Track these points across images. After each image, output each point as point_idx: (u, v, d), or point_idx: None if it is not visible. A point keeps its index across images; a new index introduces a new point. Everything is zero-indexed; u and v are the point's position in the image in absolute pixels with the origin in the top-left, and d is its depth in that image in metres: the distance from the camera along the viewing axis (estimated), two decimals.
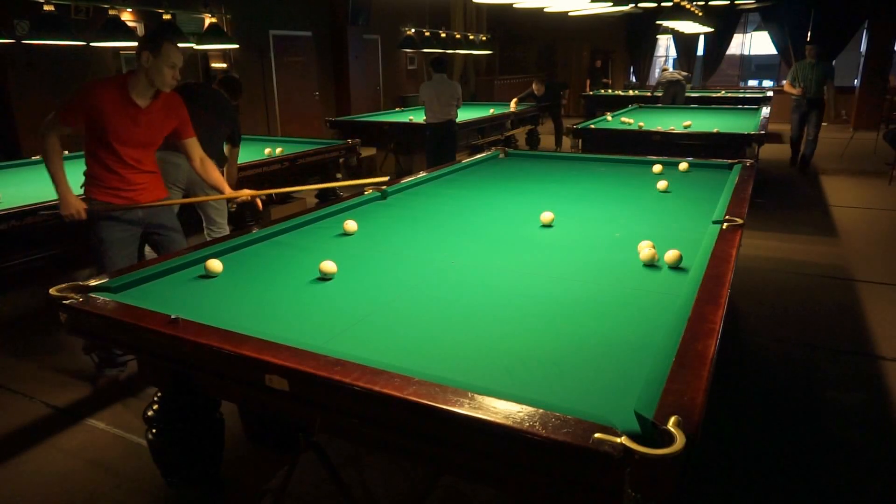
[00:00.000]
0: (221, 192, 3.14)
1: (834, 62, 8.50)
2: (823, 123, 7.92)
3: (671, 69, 10.30)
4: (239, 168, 4.38)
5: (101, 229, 2.95)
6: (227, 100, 4.16)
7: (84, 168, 2.99)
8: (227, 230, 3.96)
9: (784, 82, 8.41)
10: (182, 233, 3.29)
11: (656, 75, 15.90)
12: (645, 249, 2.28)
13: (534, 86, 9.68)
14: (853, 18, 12.24)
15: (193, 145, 3.12)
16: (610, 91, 12.82)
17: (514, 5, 6.30)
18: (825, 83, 7.75)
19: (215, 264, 2.21)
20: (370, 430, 1.50)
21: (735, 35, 14.47)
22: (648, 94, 10.86)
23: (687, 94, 10.23)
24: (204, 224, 4.05)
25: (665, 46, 16.66)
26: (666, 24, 9.40)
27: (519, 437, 1.18)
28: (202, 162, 3.12)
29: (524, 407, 1.23)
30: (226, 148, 4.18)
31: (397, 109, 9.62)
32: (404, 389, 1.32)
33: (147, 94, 2.84)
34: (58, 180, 2.80)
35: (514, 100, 9.44)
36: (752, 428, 2.76)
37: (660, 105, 9.62)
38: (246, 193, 3.02)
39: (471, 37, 12.08)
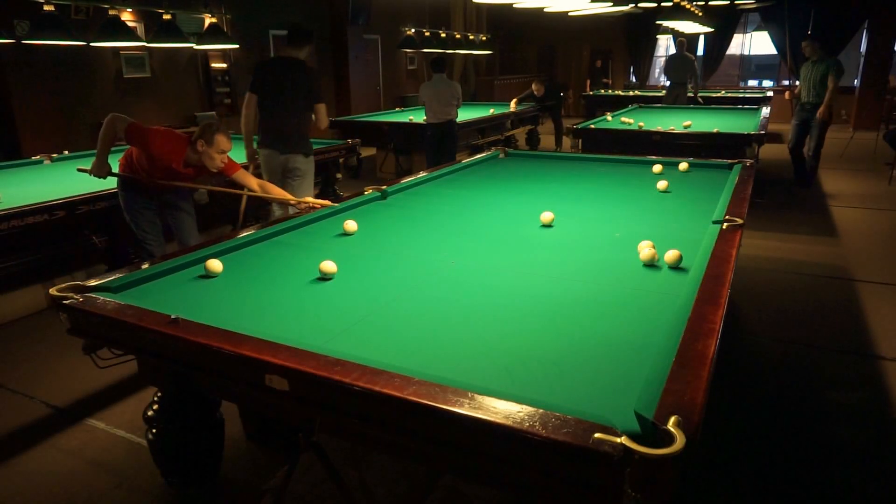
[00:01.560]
0: (288, 201, 3.52)
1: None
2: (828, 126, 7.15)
3: (683, 51, 9.93)
4: (242, 167, 4.38)
5: (124, 199, 3.54)
6: (300, 65, 4.24)
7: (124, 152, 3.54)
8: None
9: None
10: (193, 216, 3.72)
11: (656, 75, 15.85)
12: (645, 249, 2.28)
13: (533, 86, 9.69)
14: (853, 18, 12.24)
15: (242, 176, 3.44)
16: (610, 91, 12.82)
17: (514, 5, 6.30)
18: (825, 83, 6.84)
19: (215, 264, 2.21)
20: (370, 430, 1.50)
21: (735, 35, 14.46)
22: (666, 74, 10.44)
23: (690, 95, 10.21)
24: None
25: (665, 46, 16.65)
26: (666, 24, 9.39)
27: (519, 437, 1.18)
28: (262, 187, 3.44)
29: (524, 407, 1.23)
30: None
31: (397, 109, 9.62)
32: (404, 389, 1.32)
33: (192, 164, 3.36)
34: (102, 153, 3.39)
35: (514, 100, 9.44)
36: (752, 428, 2.76)
37: (660, 105, 9.62)
38: (309, 201, 3.28)
39: (471, 37, 12.08)
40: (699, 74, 10.71)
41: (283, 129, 4.25)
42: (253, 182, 3.42)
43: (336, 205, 3.17)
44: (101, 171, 3.41)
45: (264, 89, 4.21)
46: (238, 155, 5.08)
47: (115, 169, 3.48)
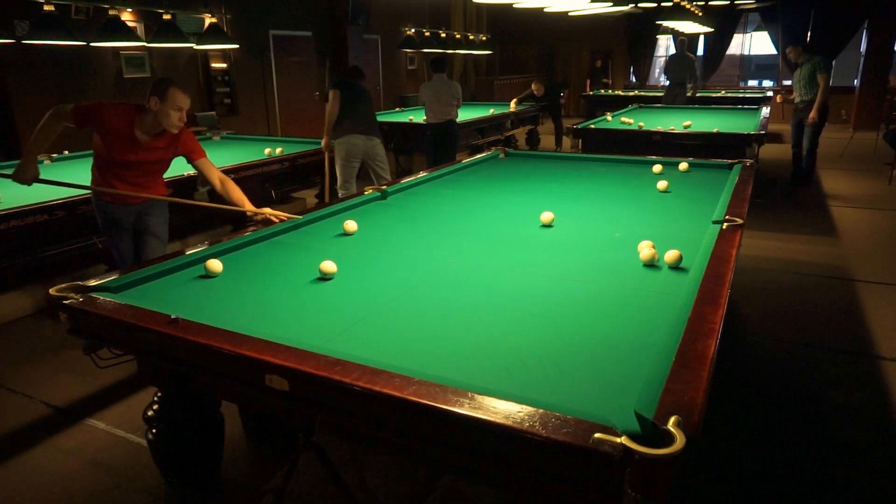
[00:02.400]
0: (244, 209, 3.14)
1: (833, 62, 7.95)
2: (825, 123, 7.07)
3: (683, 50, 9.88)
4: (240, 168, 4.57)
5: (99, 218, 3.28)
6: (365, 86, 5.66)
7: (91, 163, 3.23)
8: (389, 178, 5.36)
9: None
10: (165, 243, 3.39)
11: (656, 75, 15.82)
12: (645, 249, 2.28)
13: (533, 86, 9.69)
14: (853, 18, 12.23)
15: (205, 166, 3.18)
16: (610, 91, 12.82)
17: (514, 5, 6.30)
18: (815, 81, 6.80)
19: (215, 264, 2.21)
20: (370, 430, 1.50)
21: (735, 35, 14.46)
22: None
23: (688, 95, 10.21)
24: (374, 181, 5.38)
25: (665, 46, 16.65)
26: (666, 24, 9.39)
27: (519, 437, 1.18)
28: (222, 182, 3.14)
29: (524, 407, 1.23)
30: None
31: (397, 109, 9.61)
32: (404, 389, 1.32)
33: (151, 132, 3.02)
34: (32, 149, 2.96)
35: (514, 100, 9.44)
36: (752, 428, 2.76)
37: (660, 105, 9.62)
38: (267, 212, 2.97)
39: (471, 37, 12.09)
40: (699, 75, 10.67)
41: (365, 117, 5.40)
42: (215, 175, 3.15)
43: (299, 217, 2.92)
44: (25, 173, 2.92)
45: (345, 90, 5.33)
46: (259, 142, 5.08)
47: (75, 179, 3.15)
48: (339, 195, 5.25)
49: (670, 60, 9.96)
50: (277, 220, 2.83)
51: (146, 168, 3.13)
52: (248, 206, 3.10)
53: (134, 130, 2.98)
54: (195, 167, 3.22)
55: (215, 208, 3.35)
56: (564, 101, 11.23)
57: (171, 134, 3.05)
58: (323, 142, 5.39)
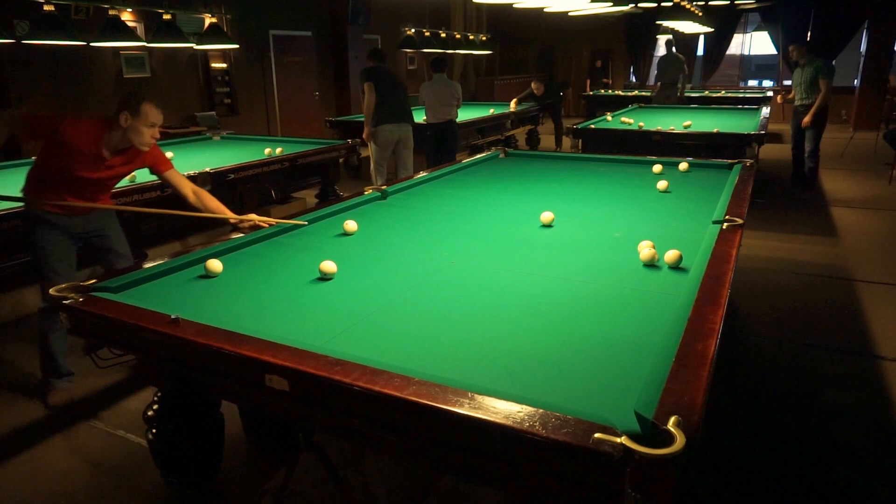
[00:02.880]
0: (226, 217, 2.89)
1: (834, 62, 7.93)
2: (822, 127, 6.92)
3: (674, 50, 9.85)
4: (240, 168, 4.51)
5: (34, 226, 2.89)
6: (392, 71, 6.29)
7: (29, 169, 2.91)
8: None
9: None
10: (130, 258, 3.15)
11: (654, 71, 15.84)
12: (645, 249, 2.28)
13: (533, 86, 9.69)
14: (853, 18, 12.24)
15: (174, 177, 2.97)
16: (610, 91, 12.82)
17: (514, 5, 6.29)
18: (816, 84, 6.69)
19: (215, 264, 2.21)
20: (370, 430, 1.50)
21: (735, 35, 14.46)
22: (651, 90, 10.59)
23: (687, 94, 10.18)
24: (395, 167, 6.17)
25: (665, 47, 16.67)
26: (666, 24, 9.39)
27: (519, 437, 1.18)
28: (196, 194, 2.91)
29: (524, 407, 1.23)
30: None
31: None
32: (404, 389, 1.32)
33: (117, 148, 2.79)
34: None
35: (514, 100, 9.44)
36: (752, 428, 2.76)
37: (657, 105, 9.61)
38: (252, 218, 2.82)
39: (471, 37, 12.07)
40: (687, 75, 10.64)
41: (398, 105, 5.95)
42: (187, 187, 2.92)
43: (304, 223, 2.82)
44: None
45: (379, 81, 5.79)
46: (298, 132, 5.09)
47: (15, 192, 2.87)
48: (373, 179, 6.08)
49: (660, 61, 9.98)
50: (266, 225, 2.71)
51: (105, 184, 2.92)
52: (229, 214, 2.86)
53: (101, 149, 2.73)
54: (163, 179, 2.99)
55: (195, 216, 3.06)
56: (570, 99, 11.26)
57: (134, 150, 2.83)
58: (364, 133, 6.00)
